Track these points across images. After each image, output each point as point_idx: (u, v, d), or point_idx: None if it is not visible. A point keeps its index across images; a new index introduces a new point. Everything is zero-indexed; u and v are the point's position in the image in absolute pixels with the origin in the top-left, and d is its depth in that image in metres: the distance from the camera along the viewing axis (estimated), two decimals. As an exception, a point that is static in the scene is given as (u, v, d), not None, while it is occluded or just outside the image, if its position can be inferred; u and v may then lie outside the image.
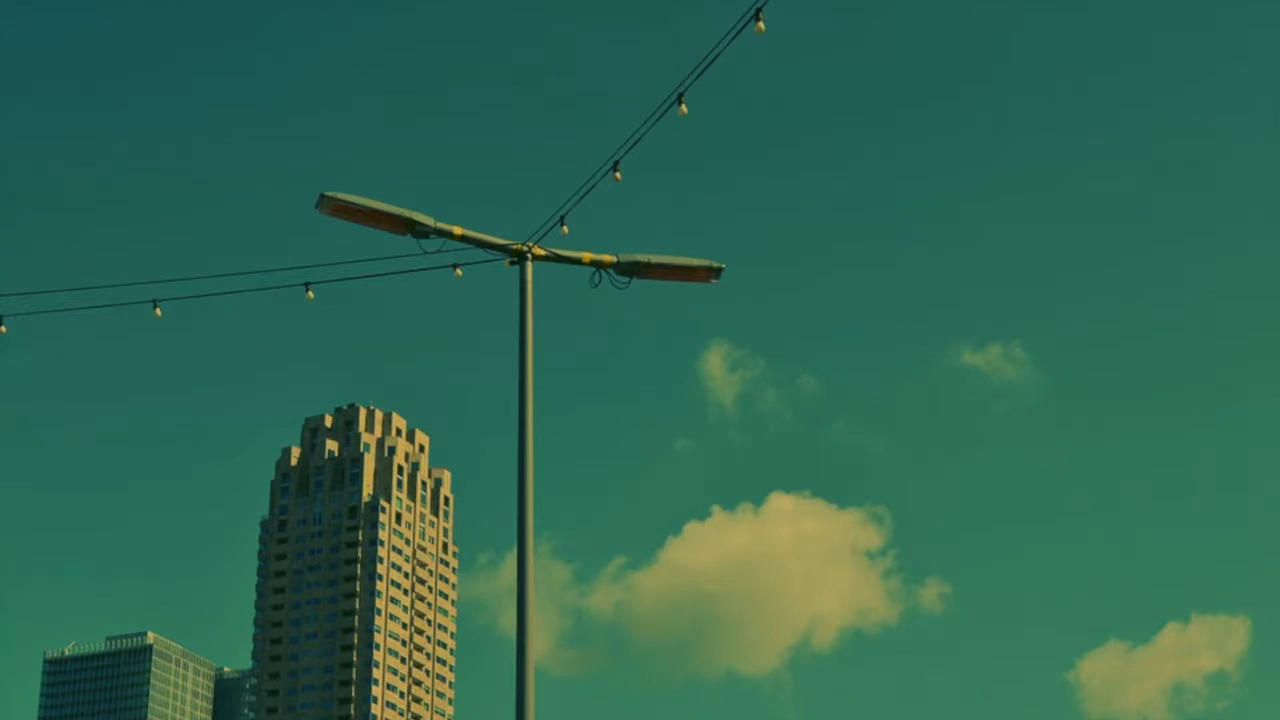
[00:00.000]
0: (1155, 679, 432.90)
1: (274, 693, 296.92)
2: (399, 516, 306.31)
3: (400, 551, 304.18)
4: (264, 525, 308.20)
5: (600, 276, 24.44)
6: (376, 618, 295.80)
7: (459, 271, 24.45)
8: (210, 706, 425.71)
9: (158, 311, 26.57)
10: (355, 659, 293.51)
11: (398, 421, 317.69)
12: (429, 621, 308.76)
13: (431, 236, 23.59)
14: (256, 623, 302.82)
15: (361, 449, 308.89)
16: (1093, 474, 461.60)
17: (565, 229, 23.92)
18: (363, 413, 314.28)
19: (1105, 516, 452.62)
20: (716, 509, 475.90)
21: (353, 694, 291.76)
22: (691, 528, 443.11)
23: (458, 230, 23.63)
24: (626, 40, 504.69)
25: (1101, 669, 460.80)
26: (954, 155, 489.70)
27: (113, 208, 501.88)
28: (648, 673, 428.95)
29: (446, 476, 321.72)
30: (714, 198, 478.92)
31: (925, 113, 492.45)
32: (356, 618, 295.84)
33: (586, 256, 24.42)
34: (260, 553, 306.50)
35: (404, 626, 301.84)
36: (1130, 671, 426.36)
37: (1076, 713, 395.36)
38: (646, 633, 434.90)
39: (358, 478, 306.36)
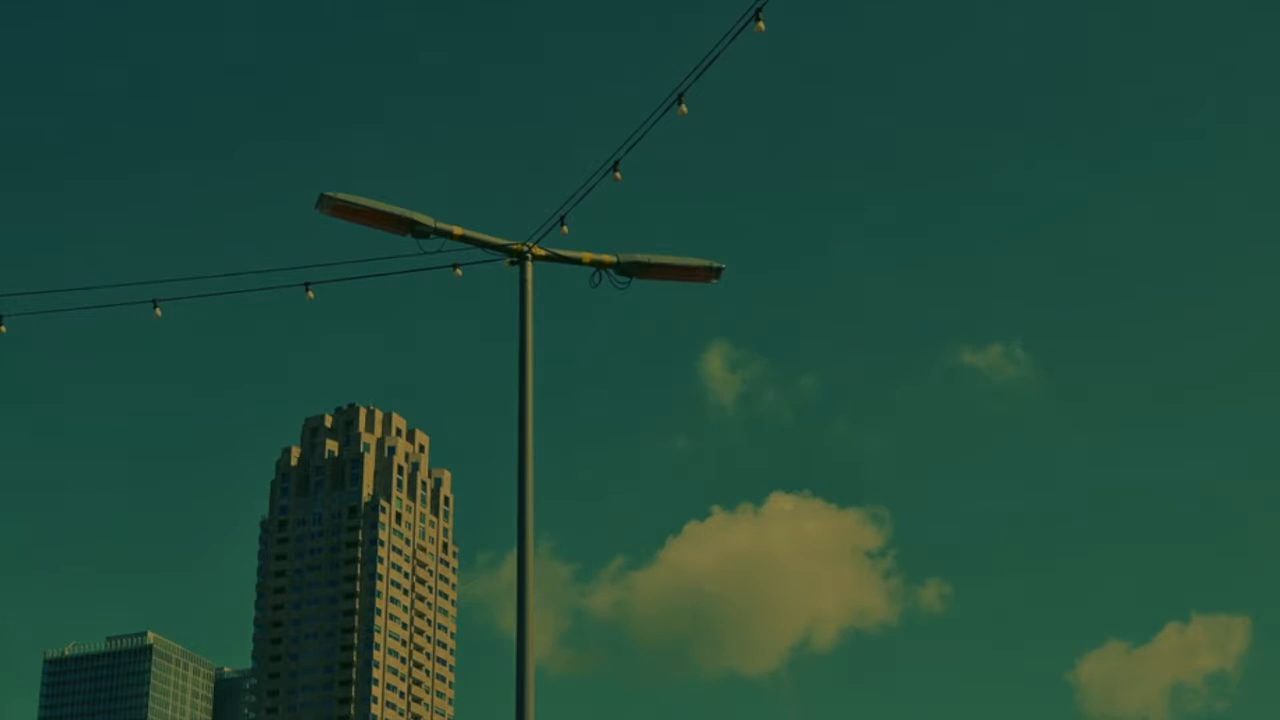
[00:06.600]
0: (1155, 679, 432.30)
1: (274, 693, 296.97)
2: (399, 516, 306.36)
3: (400, 551, 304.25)
4: (264, 525, 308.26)
5: (600, 276, 24.36)
6: (376, 618, 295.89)
7: (459, 271, 24.40)
8: (210, 706, 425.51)
9: (158, 311, 26.53)
10: (355, 659, 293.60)
11: (398, 421, 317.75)
12: (429, 621, 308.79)
13: (431, 236, 23.52)
14: (256, 623, 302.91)
15: (361, 449, 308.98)
16: (1092, 474, 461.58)
17: (565, 229, 23.88)
18: (363, 413, 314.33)
19: (1105, 516, 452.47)
20: (716, 509, 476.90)
21: (353, 694, 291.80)
22: (691, 528, 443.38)
23: (458, 230, 23.58)
24: (627, 40, 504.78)
25: (1101, 669, 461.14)
26: (953, 154, 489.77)
27: (113, 208, 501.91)
28: (648, 673, 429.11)
29: (446, 476, 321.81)
30: (714, 198, 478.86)
31: (924, 112, 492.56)
32: (356, 618, 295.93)
33: (586, 256, 24.36)
34: (260, 553, 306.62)
35: (404, 626, 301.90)
36: (1130, 671, 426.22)
37: (1076, 713, 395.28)
38: (646, 633, 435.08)
39: (358, 478, 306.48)
